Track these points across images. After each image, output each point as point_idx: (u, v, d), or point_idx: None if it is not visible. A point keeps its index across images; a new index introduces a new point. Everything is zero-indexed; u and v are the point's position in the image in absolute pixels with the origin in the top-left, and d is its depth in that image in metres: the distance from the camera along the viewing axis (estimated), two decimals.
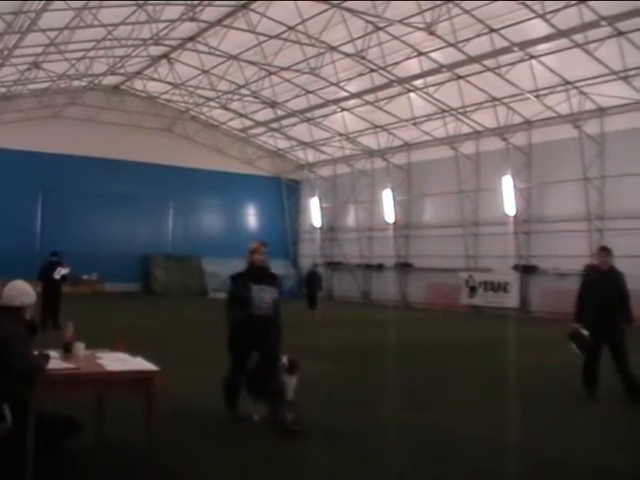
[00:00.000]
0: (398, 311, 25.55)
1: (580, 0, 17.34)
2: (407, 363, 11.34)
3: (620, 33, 18.34)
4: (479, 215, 27.03)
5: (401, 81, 24.57)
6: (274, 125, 32.61)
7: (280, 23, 21.59)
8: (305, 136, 32.95)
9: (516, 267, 25.14)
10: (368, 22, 20.70)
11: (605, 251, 8.73)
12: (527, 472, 5.61)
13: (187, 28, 22.81)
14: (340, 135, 31.29)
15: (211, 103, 30.95)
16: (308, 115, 30.18)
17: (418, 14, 19.39)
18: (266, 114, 31.26)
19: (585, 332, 8.31)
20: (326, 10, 20.29)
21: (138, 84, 30.29)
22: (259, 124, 32.93)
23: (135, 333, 12.82)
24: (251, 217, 37.04)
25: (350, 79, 25.44)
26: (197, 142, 34.16)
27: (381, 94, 26.11)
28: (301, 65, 24.57)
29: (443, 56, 22.12)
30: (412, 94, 25.53)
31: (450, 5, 18.83)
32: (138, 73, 28.55)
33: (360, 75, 24.81)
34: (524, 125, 24.99)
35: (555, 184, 24.12)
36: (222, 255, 32.26)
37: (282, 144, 35.43)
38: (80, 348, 5.62)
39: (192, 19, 20.99)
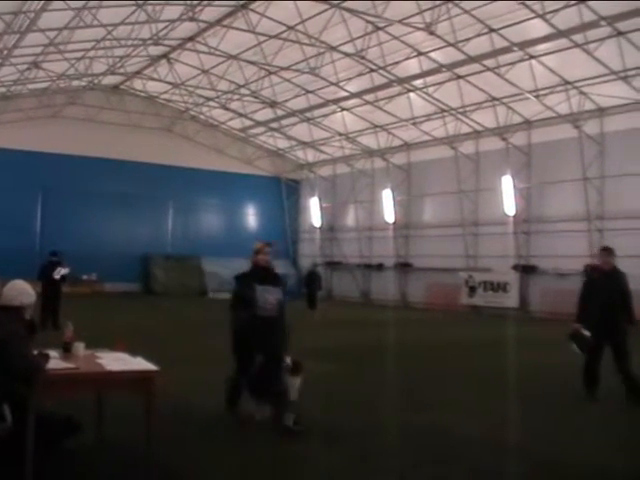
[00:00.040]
0: (398, 311, 25.55)
1: (580, 0, 17.35)
2: (407, 363, 11.34)
3: (620, 33, 18.34)
4: (479, 215, 27.03)
5: (401, 81, 24.57)
6: (274, 125, 32.61)
7: (280, 23, 21.59)
8: (305, 136, 32.95)
9: (516, 267, 25.14)
10: (368, 22, 20.69)
11: (607, 251, 8.71)
12: (527, 472, 5.61)
13: (187, 28, 22.80)
14: (340, 135, 31.29)
15: (211, 103, 30.94)
16: (308, 115, 30.18)
17: (418, 14, 19.38)
18: (266, 114, 31.26)
19: (586, 333, 8.31)
20: (326, 10, 20.29)
21: (138, 84, 30.28)
22: (259, 124, 32.93)
23: (135, 333, 12.81)
24: (251, 217, 37.03)
25: (350, 79, 25.43)
26: (197, 142, 34.16)
27: (381, 94, 26.11)
28: (301, 65, 24.56)
29: (443, 56, 22.12)
30: (412, 94, 25.53)
31: (450, 5, 18.82)
32: (138, 73, 28.54)
33: (360, 75, 24.81)
34: (524, 125, 24.99)
35: (555, 184, 24.12)
36: (222, 255, 32.33)
37: (282, 144, 35.43)
38: (80, 348, 5.61)
39: (192, 19, 20.98)
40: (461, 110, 25.35)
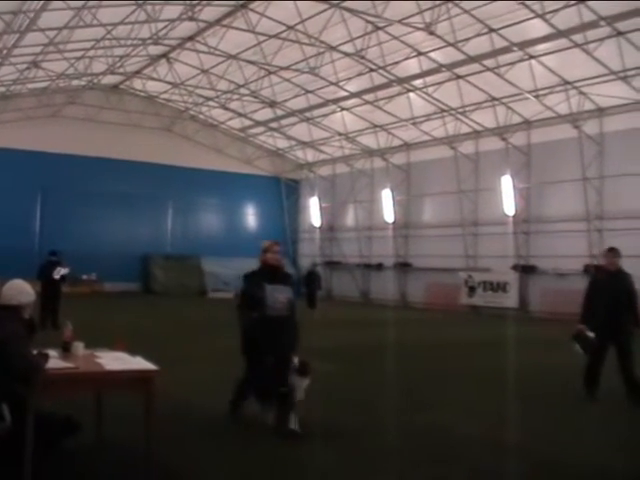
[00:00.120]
0: (397, 311, 25.54)
1: (579, 0, 17.35)
2: (406, 363, 11.34)
3: (619, 33, 18.33)
4: (478, 215, 27.02)
5: (400, 81, 24.56)
6: (273, 125, 32.60)
7: (279, 23, 21.59)
8: (304, 136, 32.93)
9: (515, 267, 25.14)
10: (368, 22, 20.69)
11: (613, 252, 8.66)
12: (527, 472, 5.60)
13: (186, 28, 22.79)
14: (339, 135, 31.28)
15: (210, 103, 30.93)
16: (307, 115, 30.17)
17: (417, 14, 19.38)
18: (265, 114, 31.25)
19: (590, 334, 8.28)
20: (325, 10, 20.28)
21: (137, 83, 30.27)
22: (258, 124, 32.92)
23: (134, 333, 12.79)
24: (250, 217, 37.01)
25: (349, 79, 25.43)
26: (196, 142, 34.15)
27: (380, 94, 26.10)
28: (300, 65, 24.55)
29: (442, 56, 22.12)
30: (411, 94, 25.52)
31: (449, 5, 18.82)
32: (137, 72, 28.52)
33: (359, 75, 24.80)
34: (523, 125, 24.99)
35: (554, 184, 24.11)
36: (221, 255, 32.39)
37: (281, 144, 35.42)
38: (79, 347, 5.60)
39: (191, 19, 20.97)
40: (461, 110, 25.35)
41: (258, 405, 6.73)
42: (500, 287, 25.63)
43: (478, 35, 19.85)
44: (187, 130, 33.92)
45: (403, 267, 30.07)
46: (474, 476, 5.52)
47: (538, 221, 24.80)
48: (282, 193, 37.34)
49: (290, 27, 21.73)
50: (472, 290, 26.56)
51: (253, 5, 20.85)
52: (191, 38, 23.90)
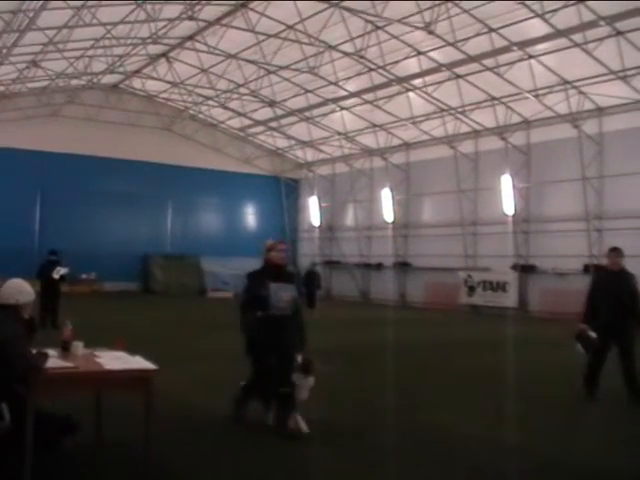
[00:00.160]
0: (397, 310, 25.52)
1: (579, 0, 17.34)
2: (406, 363, 11.33)
3: (619, 33, 18.33)
4: (478, 214, 27.03)
5: (400, 80, 24.56)
6: (273, 124, 32.58)
7: (279, 22, 21.58)
8: (304, 135, 32.92)
9: (515, 266, 25.14)
10: (367, 21, 20.68)
11: (616, 252, 8.62)
12: (527, 472, 5.59)
13: (186, 27, 22.78)
14: (339, 134, 31.27)
15: (210, 102, 30.91)
16: (307, 114, 30.16)
17: (417, 13, 19.37)
18: (265, 113, 31.24)
19: (592, 334, 8.26)
20: (325, 9, 20.28)
21: (137, 83, 30.25)
22: (258, 123, 32.90)
23: (134, 332, 12.77)
24: (250, 216, 37.00)
25: (349, 78, 25.43)
26: (196, 141, 34.13)
27: (380, 93, 26.09)
28: (300, 64, 24.53)
29: (442, 55, 22.11)
30: (411, 93, 25.52)
31: (449, 4, 18.81)
32: (137, 72, 28.51)
33: (359, 74, 24.80)
34: (523, 124, 24.99)
35: (554, 184, 24.11)
36: (221, 254, 32.38)
37: (281, 143, 35.40)
38: (79, 347, 5.60)
39: (191, 18, 20.96)
40: (460, 109, 25.34)
41: (260, 403, 6.70)
42: (499, 287, 25.63)
43: (478, 35, 19.85)
44: (186, 129, 33.90)
45: (403, 267, 30.07)
46: (474, 476, 5.51)
47: (538, 221, 24.81)
48: (281, 192, 37.33)
49: (290, 27, 21.73)
50: (472, 290, 26.56)
51: (253, 4, 20.84)
52: (191, 37, 23.90)
